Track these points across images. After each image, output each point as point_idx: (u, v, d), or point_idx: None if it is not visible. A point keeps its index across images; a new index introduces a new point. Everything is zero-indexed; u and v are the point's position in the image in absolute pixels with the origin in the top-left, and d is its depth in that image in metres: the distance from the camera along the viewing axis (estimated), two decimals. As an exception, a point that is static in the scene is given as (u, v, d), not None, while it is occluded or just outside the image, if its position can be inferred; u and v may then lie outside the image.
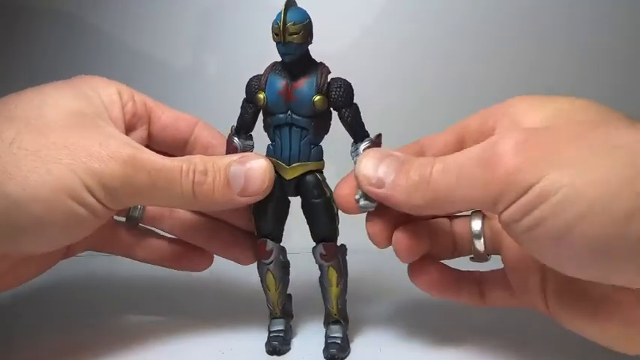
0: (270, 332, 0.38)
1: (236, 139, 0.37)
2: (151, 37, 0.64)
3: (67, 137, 0.31)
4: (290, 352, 0.38)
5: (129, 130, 0.38)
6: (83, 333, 0.41)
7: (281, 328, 0.38)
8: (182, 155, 0.39)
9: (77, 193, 0.30)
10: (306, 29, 0.34)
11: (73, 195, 0.30)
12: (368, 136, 0.36)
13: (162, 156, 0.34)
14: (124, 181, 0.32)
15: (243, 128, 0.37)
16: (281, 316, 0.39)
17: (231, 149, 0.37)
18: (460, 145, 0.36)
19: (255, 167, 0.35)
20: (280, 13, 0.33)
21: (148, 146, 0.39)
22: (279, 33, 0.33)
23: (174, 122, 0.40)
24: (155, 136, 0.40)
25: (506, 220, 0.28)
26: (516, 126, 0.32)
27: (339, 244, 0.37)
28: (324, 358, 0.37)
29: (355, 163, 0.35)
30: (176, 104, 0.41)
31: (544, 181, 0.26)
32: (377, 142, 0.36)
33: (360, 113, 0.36)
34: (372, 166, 0.33)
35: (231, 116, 0.38)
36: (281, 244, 0.38)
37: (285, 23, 0.33)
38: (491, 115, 0.34)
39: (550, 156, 0.26)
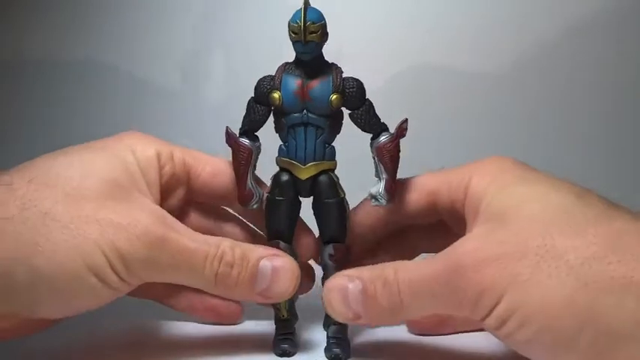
0: (277, 335, 0.38)
1: (245, 140, 0.37)
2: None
3: (99, 210, 0.32)
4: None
5: (166, 192, 0.38)
6: (82, 334, 0.40)
7: (289, 330, 0.38)
8: (225, 204, 0.40)
9: (100, 269, 0.31)
10: (323, 29, 0.34)
11: (95, 271, 0.31)
12: (386, 129, 0.36)
13: (191, 235, 0.34)
14: (146, 261, 0.32)
15: (251, 129, 0.37)
16: (288, 318, 0.38)
17: (242, 150, 0.36)
18: (434, 205, 0.37)
19: (286, 269, 0.34)
20: (299, 12, 0.33)
21: (187, 204, 0.40)
22: (299, 32, 0.33)
23: (213, 179, 0.39)
24: (195, 191, 0.39)
25: (486, 328, 0.31)
26: (481, 223, 0.33)
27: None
28: (327, 358, 0.37)
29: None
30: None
31: (503, 302, 0.29)
32: (400, 130, 0.36)
33: (374, 108, 0.36)
34: (340, 305, 0.33)
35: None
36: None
37: (305, 22, 0.33)
38: (462, 182, 0.35)
39: (504, 275, 0.29)
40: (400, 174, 0.37)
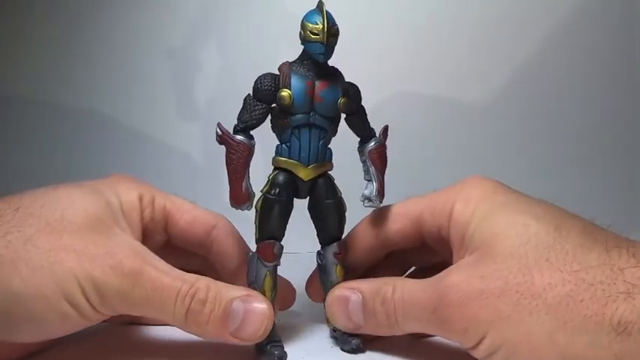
0: (266, 343, 0.36)
1: (242, 137, 0.35)
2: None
3: (78, 241, 0.33)
4: (290, 351, 0.37)
5: (146, 234, 0.39)
6: (80, 337, 0.38)
7: (276, 338, 0.37)
8: (203, 251, 0.40)
9: (73, 296, 0.32)
10: (338, 32, 0.35)
11: (68, 297, 0.32)
12: (375, 134, 0.38)
13: (167, 271, 0.34)
14: (119, 292, 0.33)
15: (248, 127, 0.35)
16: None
17: (241, 148, 0.35)
18: (419, 232, 0.38)
19: (257, 312, 0.35)
20: (317, 13, 0.34)
21: (166, 245, 0.40)
22: (321, 34, 0.34)
23: (191, 227, 0.40)
24: (173, 237, 0.40)
25: (476, 356, 0.32)
26: (466, 253, 0.34)
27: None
28: (345, 351, 0.37)
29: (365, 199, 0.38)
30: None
31: (487, 338, 0.31)
32: (382, 138, 0.38)
33: (366, 114, 0.37)
34: (342, 317, 0.37)
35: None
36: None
37: (328, 24, 0.34)
38: (445, 208, 0.36)
39: (487, 311, 0.30)
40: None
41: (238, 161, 0.35)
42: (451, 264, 0.35)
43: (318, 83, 0.35)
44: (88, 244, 0.33)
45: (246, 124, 0.35)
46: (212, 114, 0.66)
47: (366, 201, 0.37)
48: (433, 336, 0.39)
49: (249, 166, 0.35)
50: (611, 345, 0.28)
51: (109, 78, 0.65)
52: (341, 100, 0.36)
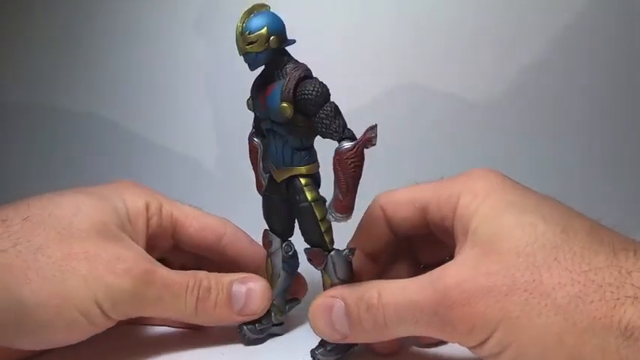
0: (248, 322, 0.38)
1: (255, 139, 0.37)
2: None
3: (89, 248, 0.34)
4: (290, 351, 0.38)
5: (151, 241, 0.39)
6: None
7: (263, 321, 0.38)
8: (211, 255, 0.41)
9: (85, 305, 0.33)
10: (263, 37, 0.32)
11: (80, 307, 0.32)
12: (351, 136, 0.32)
13: (173, 271, 0.36)
14: (133, 294, 0.34)
15: (256, 129, 0.37)
16: (282, 322, 0.39)
17: (250, 147, 0.38)
18: (425, 220, 0.36)
19: (256, 289, 0.37)
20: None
21: (172, 253, 0.41)
22: (236, 44, 0.32)
23: (200, 234, 0.40)
24: (182, 244, 0.41)
25: (477, 355, 0.31)
26: (469, 247, 0.32)
27: (343, 248, 0.36)
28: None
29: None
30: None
31: (495, 337, 0.29)
32: (364, 139, 0.32)
33: (333, 112, 0.32)
34: (326, 328, 0.34)
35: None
36: (290, 240, 0.38)
37: (242, 33, 0.32)
38: (451, 199, 0.34)
39: (495, 311, 0.29)
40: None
41: (251, 156, 0.38)
42: None
43: (265, 89, 0.34)
44: (98, 250, 0.34)
45: (254, 126, 0.38)
46: (213, 115, 0.66)
47: (327, 213, 0.34)
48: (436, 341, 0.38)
49: (261, 159, 0.38)
50: (619, 350, 0.27)
51: (110, 80, 0.67)
52: (280, 106, 0.32)
